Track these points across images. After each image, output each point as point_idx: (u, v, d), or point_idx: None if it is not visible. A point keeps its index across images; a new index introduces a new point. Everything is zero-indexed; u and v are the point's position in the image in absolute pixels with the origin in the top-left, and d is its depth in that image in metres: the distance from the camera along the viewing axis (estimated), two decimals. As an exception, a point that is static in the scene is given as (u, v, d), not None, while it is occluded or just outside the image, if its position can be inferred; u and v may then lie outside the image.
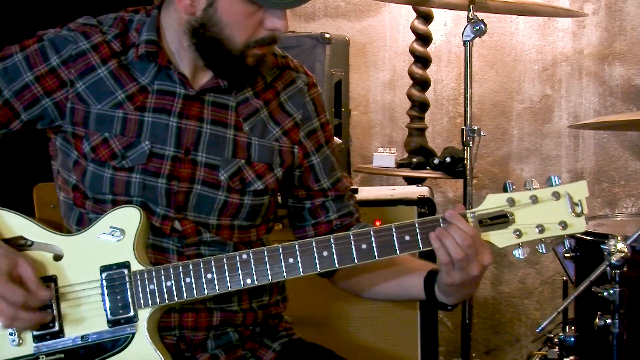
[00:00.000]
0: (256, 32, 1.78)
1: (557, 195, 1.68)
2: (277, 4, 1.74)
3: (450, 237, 1.69)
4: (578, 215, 1.68)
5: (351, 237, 1.73)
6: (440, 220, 1.72)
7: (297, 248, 1.73)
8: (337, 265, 1.73)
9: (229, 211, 1.88)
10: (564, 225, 1.68)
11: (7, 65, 1.85)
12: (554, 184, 1.69)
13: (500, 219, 1.69)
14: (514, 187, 1.71)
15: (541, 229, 1.68)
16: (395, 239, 1.72)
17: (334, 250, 1.73)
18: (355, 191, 2.75)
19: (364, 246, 1.72)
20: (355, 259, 1.73)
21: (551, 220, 1.68)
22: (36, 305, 1.71)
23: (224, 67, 1.82)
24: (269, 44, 1.81)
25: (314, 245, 1.73)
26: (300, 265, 1.73)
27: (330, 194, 2.00)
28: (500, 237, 1.70)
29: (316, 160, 1.99)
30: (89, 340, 1.75)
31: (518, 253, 1.71)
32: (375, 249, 1.72)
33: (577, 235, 2.44)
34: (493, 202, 1.70)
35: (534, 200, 1.68)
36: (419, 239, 1.72)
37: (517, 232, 1.69)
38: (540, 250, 1.72)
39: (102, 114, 1.84)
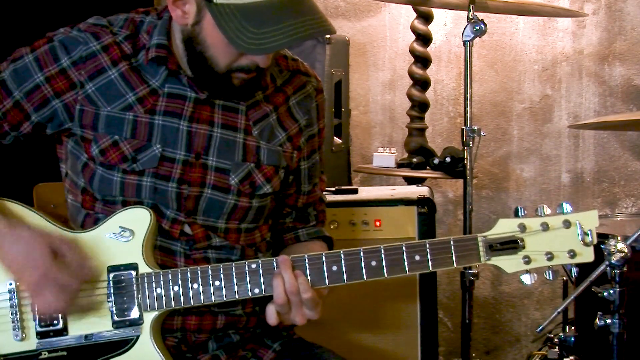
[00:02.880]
0: (238, 59, 1.75)
1: (567, 224, 1.70)
2: (247, 49, 1.67)
3: (279, 279, 1.71)
4: (587, 244, 1.70)
5: (361, 254, 1.73)
6: (274, 262, 1.73)
7: (307, 261, 1.73)
8: (345, 281, 1.73)
9: (237, 215, 1.88)
10: (572, 254, 1.70)
11: (18, 66, 1.84)
12: (565, 211, 1.71)
13: (511, 244, 1.71)
14: (525, 212, 1.72)
15: (550, 256, 1.71)
16: (405, 258, 1.73)
17: (343, 265, 1.73)
18: (355, 191, 2.77)
19: (373, 263, 1.73)
20: (365, 276, 1.74)
21: (560, 249, 1.70)
22: (85, 280, 1.70)
23: (209, 83, 1.81)
24: (254, 71, 1.78)
25: (324, 259, 1.73)
26: (309, 279, 1.73)
27: (301, 201, 2.02)
28: (509, 263, 1.72)
29: (305, 166, 2.00)
30: (93, 339, 1.75)
31: (526, 279, 1.73)
32: (384, 266, 1.73)
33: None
34: (504, 227, 1.72)
35: (545, 227, 1.70)
36: (429, 260, 1.72)
37: (526, 259, 1.71)
38: (548, 277, 1.74)
39: (111, 116, 1.83)
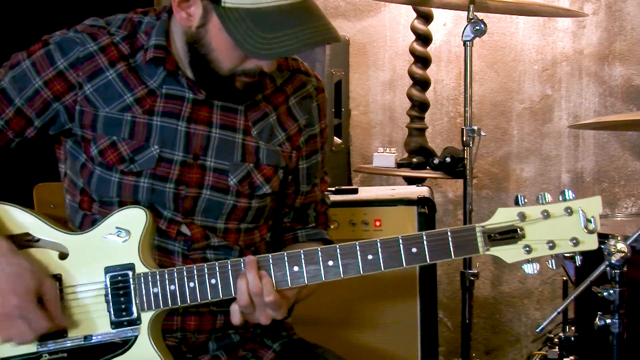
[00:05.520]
0: (243, 63, 1.74)
1: (569, 211, 1.64)
2: (256, 54, 1.66)
3: (243, 279, 1.69)
4: (591, 232, 1.64)
5: (357, 248, 1.70)
6: (241, 262, 1.71)
7: (302, 257, 1.72)
8: (342, 276, 1.71)
9: (237, 215, 1.88)
10: (575, 241, 1.65)
11: (16, 73, 1.84)
12: (567, 198, 1.65)
13: (510, 234, 1.66)
14: (525, 200, 1.67)
15: (552, 245, 1.65)
16: (402, 250, 1.69)
17: (339, 260, 1.71)
18: (355, 191, 2.77)
19: (370, 257, 1.70)
20: (361, 270, 1.71)
21: (562, 237, 1.65)
22: (52, 330, 1.71)
23: (212, 85, 1.80)
24: (257, 75, 1.78)
25: (320, 254, 1.71)
26: (305, 274, 1.72)
27: (299, 201, 2.01)
28: (509, 253, 1.67)
29: (304, 166, 2.00)
30: (92, 341, 1.75)
31: (528, 268, 1.68)
32: (381, 259, 1.70)
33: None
34: (503, 217, 1.67)
35: (546, 215, 1.65)
36: (426, 252, 1.69)
37: (527, 248, 1.66)
38: (550, 266, 1.68)
39: (110, 117, 1.83)
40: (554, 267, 1.68)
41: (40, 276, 1.69)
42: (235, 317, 1.74)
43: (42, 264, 1.73)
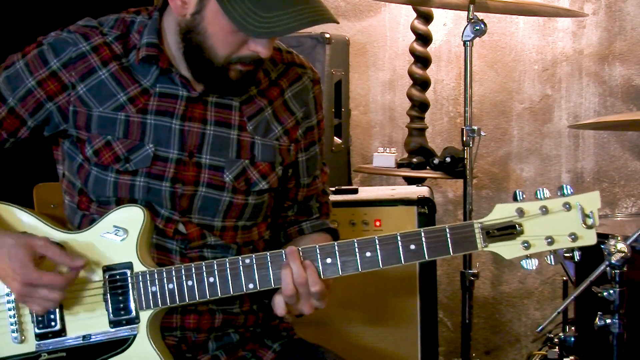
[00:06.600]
0: (239, 49, 1.75)
1: (568, 206, 1.63)
2: (256, 32, 1.68)
3: (287, 270, 1.70)
4: (589, 227, 1.63)
5: (355, 246, 1.70)
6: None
7: (300, 254, 1.72)
8: (340, 273, 1.71)
9: (234, 212, 1.88)
10: (574, 237, 1.64)
11: (10, 73, 1.85)
12: (566, 193, 1.64)
13: (508, 230, 1.65)
14: (524, 196, 1.66)
15: (550, 240, 1.64)
16: (400, 247, 1.69)
17: (337, 257, 1.71)
18: (355, 191, 2.77)
19: (368, 254, 1.70)
20: (360, 267, 1.71)
21: (561, 232, 1.64)
22: (73, 276, 1.70)
23: (206, 76, 1.80)
24: (252, 63, 1.78)
25: (318, 252, 1.71)
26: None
27: (301, 194, 2.01)
28: (507, 249, 1.66)
29: (303, 158, 1.99)
30: (91, 340, 1.75)
31: (526, 264, 1.67)
32: (379, 257, 1.70)
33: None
34: (501, 213, 1.66)
35: (544, 211, 1.64)
36: (425, 248, 1.68)
37: (526, 244, 1.65)
38: (549, 262, 1.67)
39: (104, 116, 1.83)
40: (553, 263, 1.68)
41: (28, 243, 1.69)
42: (280, 309, 1.75)
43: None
